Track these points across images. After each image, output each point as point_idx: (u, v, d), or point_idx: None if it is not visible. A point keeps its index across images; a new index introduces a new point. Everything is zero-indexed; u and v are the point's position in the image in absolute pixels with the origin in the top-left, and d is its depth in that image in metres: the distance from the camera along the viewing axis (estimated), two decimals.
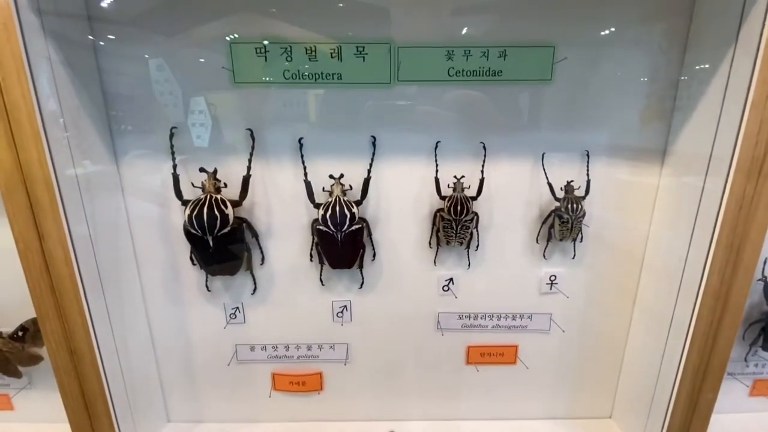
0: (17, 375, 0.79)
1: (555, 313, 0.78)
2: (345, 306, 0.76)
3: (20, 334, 0.75)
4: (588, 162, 0.69)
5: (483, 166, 0.67)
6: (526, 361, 0.81)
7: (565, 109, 0.67)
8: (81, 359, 0.64)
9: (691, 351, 0.66)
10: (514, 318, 0.77)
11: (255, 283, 0.74)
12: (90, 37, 0.62)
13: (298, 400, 0.83)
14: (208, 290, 0.74)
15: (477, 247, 0.72)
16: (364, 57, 0.63)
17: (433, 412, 0.84)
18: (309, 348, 0.79)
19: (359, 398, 0.83)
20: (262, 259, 0.72)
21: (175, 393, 0.83)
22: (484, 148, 0.67)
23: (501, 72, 0.64)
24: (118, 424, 0.70)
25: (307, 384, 0.81)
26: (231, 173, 0.66)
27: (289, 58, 0.63)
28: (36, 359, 0.77)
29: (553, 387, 0.83)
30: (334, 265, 0.69)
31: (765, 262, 0.75)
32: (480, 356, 0.80)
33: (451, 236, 0.69)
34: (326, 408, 0.83)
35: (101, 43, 0.63)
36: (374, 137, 0.66)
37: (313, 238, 0.70)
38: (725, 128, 0.58)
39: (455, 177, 0.67)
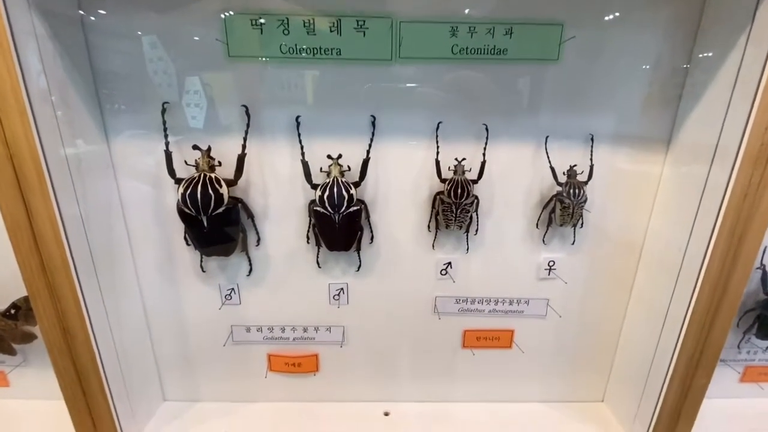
0: (11, 352, 0.79)
1: (552, 299, 0.78)
2: (342, 289, 0.76)
3: (13, 312, 0.74)
4: (592, 146, 0.67)
5: (485, 148, 0.66)
6: (521, 345, 0.81)
7: (570, 92, 0.65)
8: (74, 338, 0.63)
9: (687, 339, 0.66)
10: (511, 303, 0.77)
11: (251, 265, 0.73)
12: (79, 11, 0.59)
13: (293, 380, 0.83)
14: (203, 271, 0.73)
15: (476, 231, 0.71)
16: (364, 32, 0.60)
17: (428, 394, 0.84)
18: (305, 330, 0.79)
19: (355, 380, 0.83)
20: (258, 241, 0.71)
21: (171, 372, 0.83)
22: (487, 130, 0.65)
23: (506, 50, 0.62)
24: (113, 401, 0.70)
25: (303, 365, 0.81)
26: (226, 152, 0.65)
27: (286, 31, 0.60)
28: (29, 337, 0.77)
29: (547, 371, 0.84)
30: (332, 247, 0.68)
31: (764, 251, 0.75)
32: (476, 340, 0.80)
33: (451, 220, 0.67)
34: (322, 389, 0.84)
35: (90, 17, 0.60)
36: (374, 117, 0.64)
37: (310, 220, 0.68)
38: (734, 116, 0.56)
39: (456, 159, 0.66)
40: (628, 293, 0.78)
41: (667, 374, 0.70)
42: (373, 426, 0.80)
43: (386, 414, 0.82)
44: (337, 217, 0.64)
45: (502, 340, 0.80)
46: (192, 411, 0.82)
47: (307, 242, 0.71)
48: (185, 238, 0.69)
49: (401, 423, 0.81)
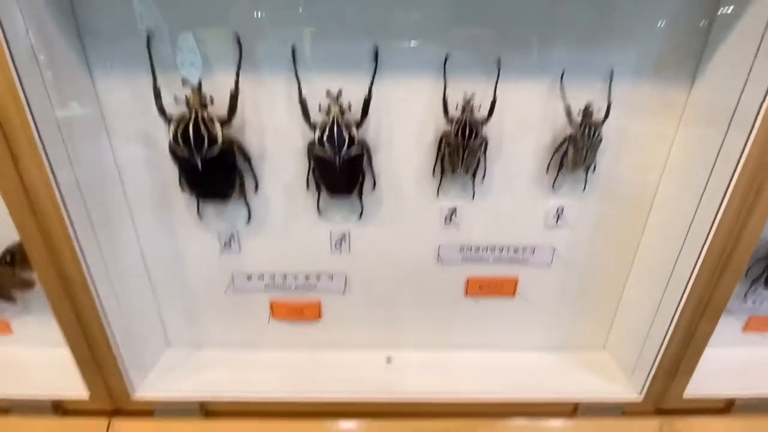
0: (11, 300, 0.78)
1: (558, 247, 0.76)
2: (343, 236, 0.74)
3: (8, 258, 0.73)
4: (611, 83, 0.62)
5: (496, 85, 0.61)
6: (525, 293, 0.81)
7: (590, 26, 0.60)
8: (72, 284, 0.62)
9: (694, 288, 0.65)
10: (516, 251, 0.76)
11: (249, 211, 0.70)
12: None
13: (296, 328, 0.84)
14: (200, 217, 0.71)
15: (483, 176, 0.68)
16: None
17: (430, 341, 0.85)
18: (307, 278, 0.78)
19: (357, 327, 0.84)
20: (256, 185, 0.68)
21: (174, 319, 0.83)
22: (498, 64, 0.61)
23: None
24: (117, 347, 0.70)
25: (306, 313, 0.81)
26: (219, 89, 0.60)
27: None
28: (28, 284, 0.76)
29: (550, 319, 0.84)
30: (332, 191, 0.66)
31: None
32: (479, 288, 0.79)
33: (457, 163, 0.64)
34: (325, 336, 0.84)
35: None
36: (377, 46, 0.59)
37: (310, 163, 0.65)
38: (756, 77, 0.53)
39: (464, 97, 0.62)
40: (637, 241, 0.76)
41: (671, 322, 0.69)
42: (376, 372, 0.81)
43: (388, 361, 0.83)
44: (337, 159, 0.61)
45: (505, 288, 0.79)
46: (196, 358, 0.83)
47: (307, 188, 0.69)
48: (180, 183, 0.67)
49: (403, 370, 0.82)
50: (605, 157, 0.68)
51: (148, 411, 0.74)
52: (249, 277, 0.77)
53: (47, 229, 0.57)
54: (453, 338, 0.85)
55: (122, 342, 0.71)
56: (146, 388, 0.75)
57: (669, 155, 0.69)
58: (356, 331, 0.84)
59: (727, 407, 0.78)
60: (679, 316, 0.68)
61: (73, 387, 0.73)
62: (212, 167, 0.61)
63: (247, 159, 0.66)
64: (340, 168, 0.62)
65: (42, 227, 0.57)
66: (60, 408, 0.74)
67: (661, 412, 0.77)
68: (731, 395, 0.78)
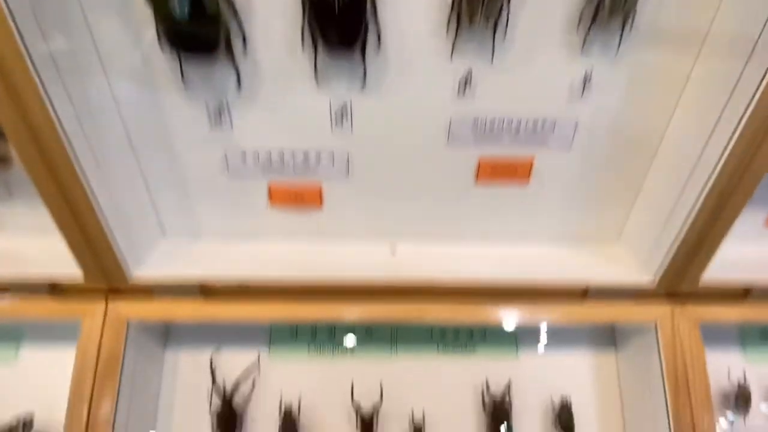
0: None
1: (581, 122, 0.69)
2: (344, 107, 0.67)
3: None
4: None
5: None
6: (540, 178, 0.75)
7: None
8: (55, 166, 0.57)
9: (719, 178, 0.60)
10: (535, 127, 0.69)
11: (238, 75, 0.62)
12: None
13: (296, 216, 0.80)
14: (183, 78, 0.63)
15: (506, 28, 0.59)
16: None
17: (436, 231, 0.81)
18: (306, 158, 0.72)
19: (360, 216, 0.79)
20: (244, 42, 0.60)
21: (168, 205, 0.78)
22: None
23: None
24: (110, 230, 0.67)
25: (306, 198, 0.76)
26: None
27: None
28: (4, 161, 0.71)
29: (564, 208, 0.79)
30: (331, 40, 0.57)
31: None
32: (491, 172, 0.73)
33: (476, 10, 0.55)
34: (326, 225, 0.80)
35: None
36: None
37: (304, 10, 0.56)
38: None
39: None
40: (666, 123, 0.70)
41: (692, 208, 0.65)
42: (379, 263, 0.79)
43: (392, 252, 0.81)
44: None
45: (520, 172, 0.74)
46: (193, 245, 0.80)
47: (303, 47, 0.60)
48: (157, 32, 0.58)
49: (408, 258, 0.79)
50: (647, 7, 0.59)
51: (147, 292, 0.73)
52: (244, 157, 0.71)
53: (25, 108, 0.51)
54: (461, 229, 0.81)
55: (115, 226, 0.67)
56: (143, 270, 0.73)
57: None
58: (359, 219, 0.80)
59: (743, 295, 0.76)
60: (702, 204, 0.63)
61: (68, 268, 0.71)
62: (192, 11, 0.53)
63: (233, 7, 0.57)
64: (340, 10, 0.53)
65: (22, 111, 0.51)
66: (57, 289, 0.73)
67: (674, 299, 0.75)
68: (749, 282, 0.75)
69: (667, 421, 0.71)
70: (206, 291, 0.72)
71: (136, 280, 0.71)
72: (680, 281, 0.74)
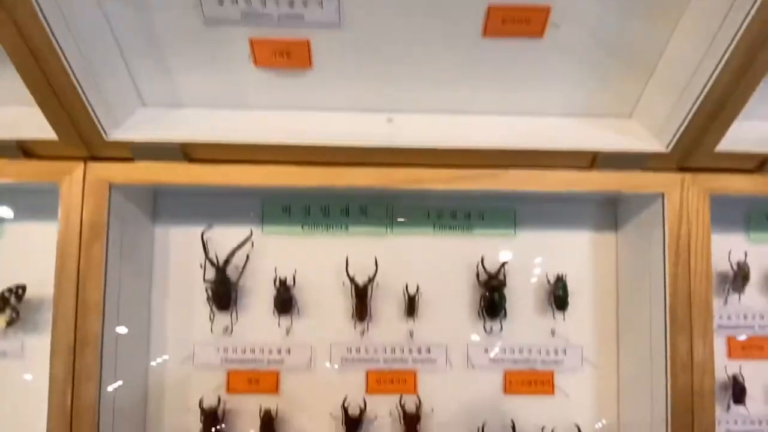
0: None
1: None
2: None
3: None
4: None
5: None
6: (554, 36, 0.67)
7: None
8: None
9: (732, 58, 0.56)
10: None
11: None
12: None
13: (284, 80, 0.73)
14: None
15: None
16: None
17: (438, 98, 0.74)
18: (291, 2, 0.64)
19: (353, 77, 0.71)
20: None
21: (143, 70, 0.70)
22: None
23: None
24: (87, 99, 0.61)
25: (293, 55, 0.69)
26: None
27: None
28: None
29: (577, 77, 0.71)
30: None
31: None
32: (501, 21, 0.65)
33: None
34: (316, 90, 0.73)
35: None
36: None
37: None
38: None
39: None
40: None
41: (709, 79, 0.59)
42: (375, 130, 0.72)
43: (389, 119, 0.75)
44: None
45: (533, 23, 0.65)
46: (175, 111, 0.74)
47: None
48: None
49: (406, 127, 0.73)
50: None
51: (127, 158, 0.69)
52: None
53: None
54: (465, 97, 0.74)
55: (90, 90, 0.61)
56: (121, 133, 0.68)
57: None
58: (353, 84, 0.73)
59: (757, 168, 0.72)
60: (719, 75, 0.58)
61: (42, 130, 0.66)
62: None
63: None
64: None
65: None
66: (31, 151, 0.69)
67: (685, 169, 0.71)
68: (763, 154, 0.71)
69: (663, 297, 0.71)
70: (189, 153, 0.68)
71: (114, 140, 0.66)
72: (693, 153, 0.69)
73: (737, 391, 0.82)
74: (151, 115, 0.73)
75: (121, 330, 0.73)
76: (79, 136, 0.66)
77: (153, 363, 0.81)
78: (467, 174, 0.67)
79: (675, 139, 0.67)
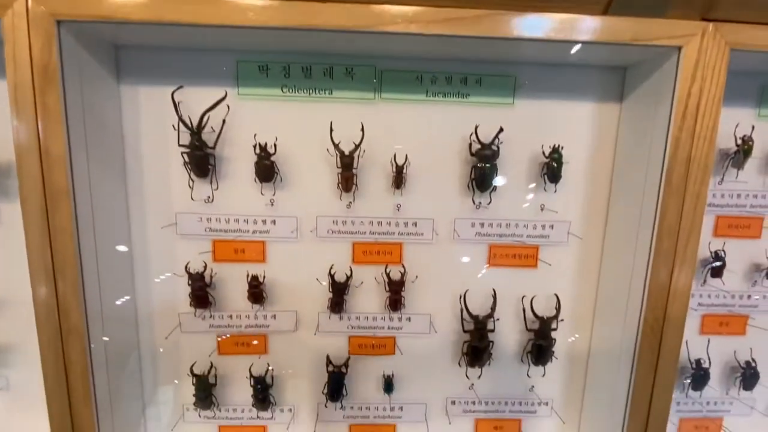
0: None
1: None
2: None
3: None
4: None
5: None
6: None
7: None
8: None
9: None
10: None
11: None
12: None
13: None
14: None
15: None
16: None
17: None
18: None
19: None
20: None
21: None
22: None
23: None
24: None
25: None
26: None
27: None
28: None
29: None
30: None
31: None
32: None
33: None
34: None
35: None
36: None
37: None
38: None
39: None
40: None
41: None
42: None
43: None
44: None
45: None
46: None
47: None
48: None
49: None
50: None
51: None
52: None
53: None
54: None
55: None
56: None
57: None
58: None
59: None
60: None
61: None
62: None
63: None
64: None
65: None
66: None
67: (708, 19, 0.63)
68: None
69: (661, 162, 0.67)
70: None
71: None
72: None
73: (717, 266, 0.84)
74: None
75: (96, 187, 0.69)
76: None
77: (134, 228, 0.80)
78: (465, 15, 0.59)
79: None
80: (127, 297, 0.81)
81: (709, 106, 0.64)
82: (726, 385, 0.93)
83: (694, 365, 0.88)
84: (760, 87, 0.80)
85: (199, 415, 0.88)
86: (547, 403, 0.91)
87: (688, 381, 0.89)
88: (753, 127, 0.79)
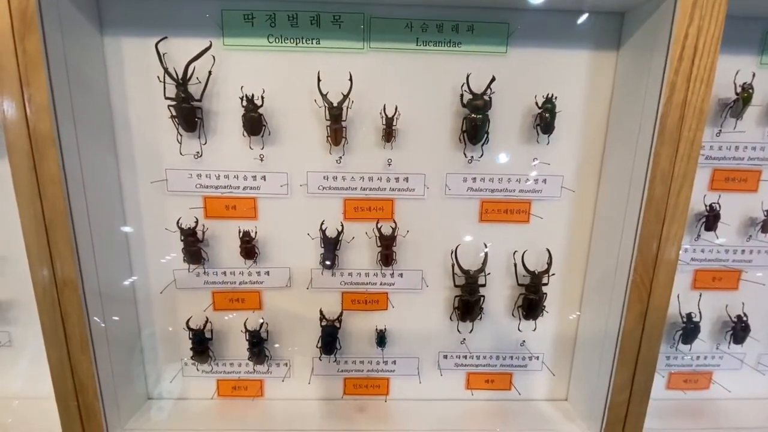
0: None
1: None
2: None
3: None
4: None
5: None
6: None
7: None
8: None
9: None
10: None
11: None
12: None
13: None
14: None
15: None
16: None
17: None
18: None
19: None
20: None
21: None
22: None
23: None
24: None
25: None
26: None
27: None
28: None
29: None
30: None
31: None
32: None
33: None
34: None
35: None
36: None
37: None
38: None
39: None
40: None
41: None
42: None
43: None
44: None
45: None
46: None
47: None
48: None
49: None
50: None
51: None
52: None
53: None
54: None
55: None
56: None
57: None
58: None
59: None
60: None
61: None
62: None
63: None
64: None
65: None
66: None
67: None
68: None
69: (656, 108, 0.65)
70: None
71: None
72: None
73: (710, 219, 0.83)
74: None
75: (83, 137, 0.69)
76: None
77: (125, 183, 0.80)
78: None
79: None
80: (121, 250, 0.82)
81: (707, 46, 0.62)
82: (716, 340, 0.94)
83: (684, 319, 0.89)
84: (763, 32, 0.77)
85: (197, 369, 0.91)
86: (537, 357, 0.93)
87: (679, 334, 0.90)
88: (754, 75, 0.77)
